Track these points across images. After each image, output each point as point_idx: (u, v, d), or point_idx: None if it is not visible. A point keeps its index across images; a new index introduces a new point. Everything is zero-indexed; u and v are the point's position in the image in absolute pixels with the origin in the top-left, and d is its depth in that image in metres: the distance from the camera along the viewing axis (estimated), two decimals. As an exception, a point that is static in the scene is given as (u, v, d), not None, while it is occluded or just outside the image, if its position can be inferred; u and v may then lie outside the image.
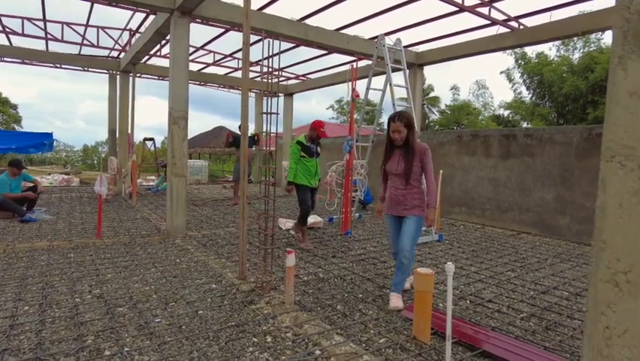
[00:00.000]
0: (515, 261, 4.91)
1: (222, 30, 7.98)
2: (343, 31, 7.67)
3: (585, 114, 17.30)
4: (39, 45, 9.73)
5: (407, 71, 6.51)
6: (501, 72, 22.13)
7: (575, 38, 19.17)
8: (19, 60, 10.20)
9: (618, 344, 0.95)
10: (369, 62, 7.23)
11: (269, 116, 3.62)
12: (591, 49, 18.80)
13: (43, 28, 8.65)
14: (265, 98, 3.69)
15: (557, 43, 20.18)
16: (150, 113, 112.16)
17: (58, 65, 10.66)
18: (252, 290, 3.53)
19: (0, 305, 3.07)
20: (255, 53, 5.95)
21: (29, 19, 8.39)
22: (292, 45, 8.39)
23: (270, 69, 3.57)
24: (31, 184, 6.88)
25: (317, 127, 5.20)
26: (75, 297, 3.29)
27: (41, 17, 8.11)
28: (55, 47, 9.97)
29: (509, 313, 3.26)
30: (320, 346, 2.56)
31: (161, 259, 4.54)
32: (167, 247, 5.07)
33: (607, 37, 18.22)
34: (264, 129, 3.65)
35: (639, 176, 0.94)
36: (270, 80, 3.61)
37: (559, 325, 3.04)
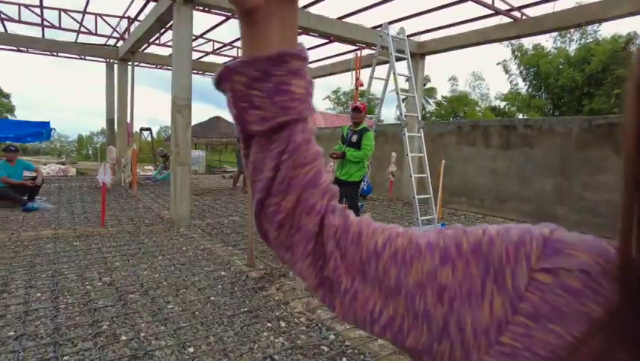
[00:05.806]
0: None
1: (223, 18, 7.90)
2: (345, 19, 7.63)
3: (581, 106, 17.38)
4: (35, 32, 9.59)
5: (410, 61, 6.50)
6: (497, 63, 22.08)
7: (572, 30, 19.19)
8: (14, 48, 9.97)
9: None
10: (370, 52, 7.21)
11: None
12: (588, 41, 18.82)
13: (39, 14, 8.50)
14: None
15: (554, 34, 20.20)
16: (144, 103, 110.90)
17: (54, 53, 10.49)
18: (261, 277, 3.57)
19: (12, 292, 3.08)
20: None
21: (26, 6, 8.24)
22: (293, 34, 8.32)
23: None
24: (34, 174, 6.82)
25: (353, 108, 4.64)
26: (86, 284, 3.30)
27: (38, 4, 7.98)
28: (51, 35, 9.82)
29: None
30: (334, 330, 2.60)
31: (168, 247, 4.55)
32: (172, 236, 5.08)
33: (604, 29, 18.25)
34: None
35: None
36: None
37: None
